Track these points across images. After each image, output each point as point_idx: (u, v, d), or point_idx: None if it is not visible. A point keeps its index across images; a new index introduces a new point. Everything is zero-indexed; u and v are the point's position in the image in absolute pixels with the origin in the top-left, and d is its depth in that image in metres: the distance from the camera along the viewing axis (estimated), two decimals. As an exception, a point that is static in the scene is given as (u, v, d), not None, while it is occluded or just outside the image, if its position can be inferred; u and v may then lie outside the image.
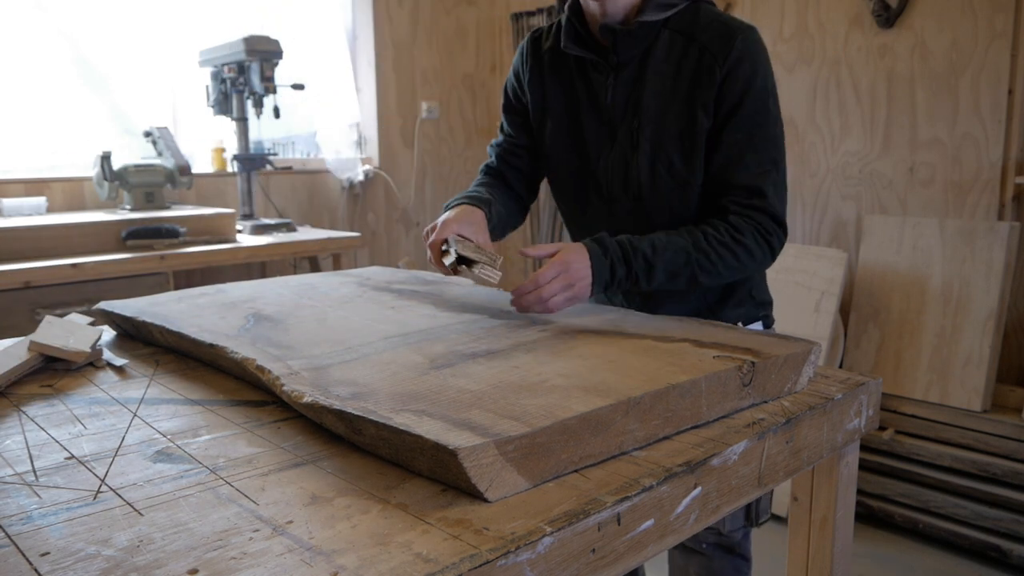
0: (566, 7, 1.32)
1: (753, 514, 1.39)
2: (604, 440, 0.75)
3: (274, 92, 2.82)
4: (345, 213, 3.64)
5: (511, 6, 3.97)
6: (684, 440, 0.81)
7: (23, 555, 0.58)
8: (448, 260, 1.16)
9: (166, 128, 2.87)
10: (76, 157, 2.93)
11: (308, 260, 3.13)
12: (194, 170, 2.85)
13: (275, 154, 3.20)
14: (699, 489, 0.76)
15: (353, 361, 0.94)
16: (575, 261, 1.12)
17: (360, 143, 3.78)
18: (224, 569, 0.55)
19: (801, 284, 2.75)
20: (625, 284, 1.18)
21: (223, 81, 2.90)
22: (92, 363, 1.11)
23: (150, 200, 2.75)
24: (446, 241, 1.18)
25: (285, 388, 0.85)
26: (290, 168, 3.46)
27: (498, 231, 1.36)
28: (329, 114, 3.56)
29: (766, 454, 0.85)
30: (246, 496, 0.67)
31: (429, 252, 1.21)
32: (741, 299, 1.36)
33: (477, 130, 4.10)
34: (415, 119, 3.82)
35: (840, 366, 2.75)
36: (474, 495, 0.67)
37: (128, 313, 1.24)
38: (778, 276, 2.73)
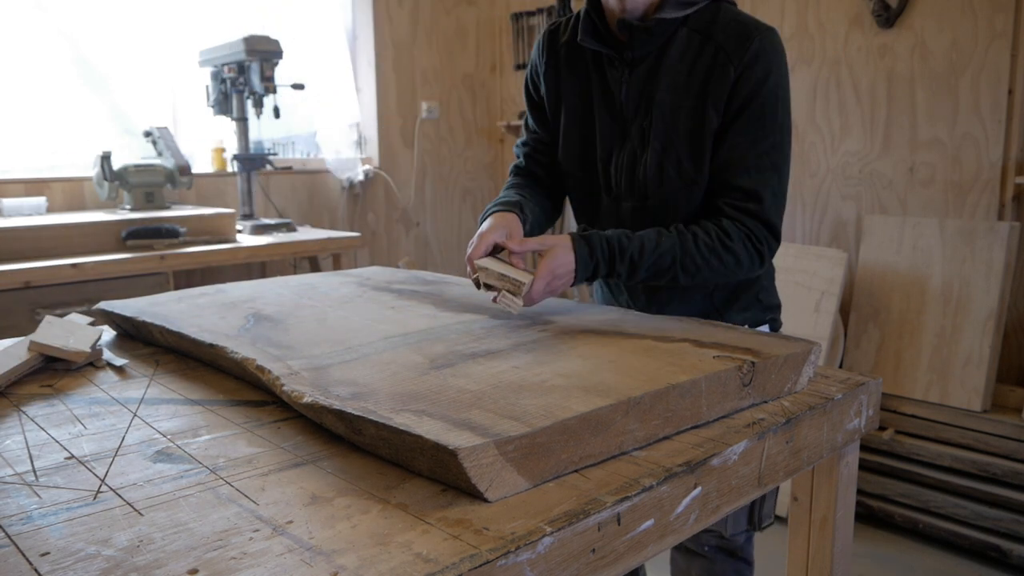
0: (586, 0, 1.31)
1: (756, 518, 1.38)
2: (604, 440, 0.75)
3: (274, 92, 2.82)
4: (345, 213, 3.64)
5: (511, 6, 3.97)
6: (684, 440, 0.81)
7: (23, 555, 0.58)
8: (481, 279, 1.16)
9: (166, 128, 2.87)
10: (76, 157, 2.93)
11: (308, 260, 3.13)
12: (194, 170, 2.86)
13: (275, 154, 3.20)
14: (699, 489, 0.76)
15: (353, 361, 0.94)
16: (561, 266, 1.12)
17: (360, 143, 3.78)
18: (224, 569, 0.55)
19: (801, 284, 2.75)
20: (605, 278, 1.20)
21: (223, 81, 2.90)
22: (92, 363, 1.11)
23: (150, 200, 2.75)
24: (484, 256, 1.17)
25: (285, 388, 0.85)
26: (290, 168, 3.46)
27: (535, 230, 1.36)
28: (329, 114, 3.57)
29: (766, 454, 0.85)
30: (246, 496, 0.67)
31: (468, 267, 1.21)
32: (748, 303, 1.35)
33: (477, 130, 4.10)
34: (415, 119, 3.83)
35: (840, 366, 2.75)
36: (474, 495, 0.67)
37: (128, 313, 1.24)
38: (778, 276, 2.72)
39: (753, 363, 0.90)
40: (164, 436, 0.82)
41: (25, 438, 0.83)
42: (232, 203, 3.17)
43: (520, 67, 3.98)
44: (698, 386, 0.84)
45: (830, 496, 1.05)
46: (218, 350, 1.01)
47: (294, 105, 3.35)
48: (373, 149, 3.74)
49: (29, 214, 2.56)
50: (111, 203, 2.80)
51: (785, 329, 1.43)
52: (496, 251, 1.18)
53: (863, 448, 2.58)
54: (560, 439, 0.71)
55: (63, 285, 2.18)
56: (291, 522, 0.63)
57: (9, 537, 0.61)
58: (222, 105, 2.94)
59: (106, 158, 2.62)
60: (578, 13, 1.33)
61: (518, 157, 1.49)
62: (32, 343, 1.07)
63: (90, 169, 2.76)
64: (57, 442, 0.81)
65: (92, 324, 1.23)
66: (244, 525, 0.62)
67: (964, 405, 2.47)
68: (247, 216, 3.03)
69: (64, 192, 2.80)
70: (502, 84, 4.14)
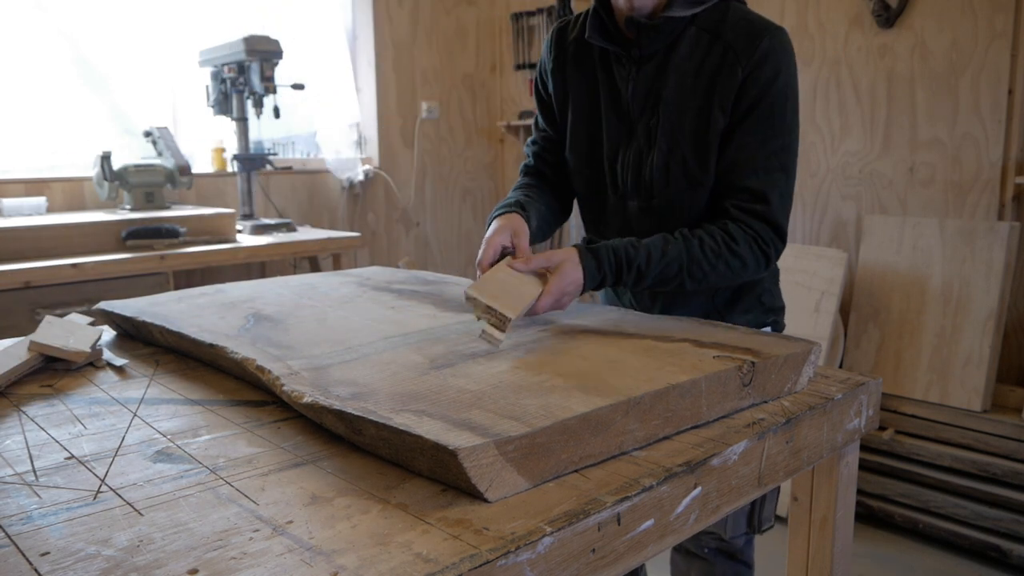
0: None
1: (755, 521, 1.37)
2: (604, 440, 0.75)
3: (274, 92, 2.82)
4: (345, 213, 3.64)
5: (511, 6, 3.97)
6: (684, 440, 0.81)
7: (23, 555, 0.58)
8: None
9: (166, 128, 2.87)
10: (76, 157, 2.93)
11: (308, 260, 3.13)
12: (194, 170, 2.85)
13: (275, 154, 3.20)
14: (699, 489, 0.76)
15: (353, 361, 0.94)
16: (570, 284, 1.11)
17: (360, 143, 3.78)
18: (224, 569, 0.55)
19: (801, 284, 2.75)
20: (612, 287, 1.20)
21: (223, 81, 2.90)
22: (92, 363, 1.11)
23: (150, 200, 2.75)
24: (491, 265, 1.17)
25: (285, 388, 0.85)
26: (290, 168, 3.46)
27: (542, 230, 1.35)
28: (329, 114, 3.57)
29: (766, 454, 0.85)
30: (246, 496, 0.67)
31: (478, 272, 1.20)
32: (750, 305, 1.34)
33: (477, 130, 4.10)
34: (415, 119, 3.83)
35: (840, 366, 2.75)
36: (474, 495, 0.67)
37: (128, 313, 1.24)
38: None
39: (753, 363, 0.90)
40: (164, 436, 0.82)
41: (25, 438, 0.83)
42: (232, 203, 3.17)
43: (520, 67, 3.98)
44: (698, 386, 0.84)
45: (830, 496, 1.05)
46: (218, 350, 1.01)
47: (294, 105, 3.35)
48: (373, 149, 3.74)
49: (29, 214, 2.56)
50: (111, 203, 2.80)
51: (786, 329, 1.43)
52: (505, 253, 1.18)
53: (863, 448, 2.58)
54: (560, 439, 0.71)
55: (63, 285, 2.18)
56: (291, 522, 0.63)
57: (9, 537, 0.61)
58: (222, 105, 2.94)
59: (106, 158, 2.62)
60: (588, 10, 1.33)
61: (528, 156, 1.48)
62: (32, 343, 1.07)
63: (90, 169, 2.76)
64: (57, 442, 0.81)
65: (92, 324, 1.23)
66: (244, 525, 0.62)
67: (964, 405, 2.47)
68: (247, 216, 3.03)
69: (64, 192, 2.80)
70: (502, 84, 4.14)
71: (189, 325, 1.14)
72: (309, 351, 0.98)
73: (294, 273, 3.08)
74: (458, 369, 0.89)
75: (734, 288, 1.33)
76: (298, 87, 2.96)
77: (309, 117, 3.56)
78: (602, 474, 0.72)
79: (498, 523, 0.62)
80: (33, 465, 0.76)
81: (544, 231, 1.37)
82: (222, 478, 0.71)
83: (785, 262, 2.77)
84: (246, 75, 2.83)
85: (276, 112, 2.90)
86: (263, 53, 2.75)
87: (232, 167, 3.06)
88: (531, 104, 3.95)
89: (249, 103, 2.88)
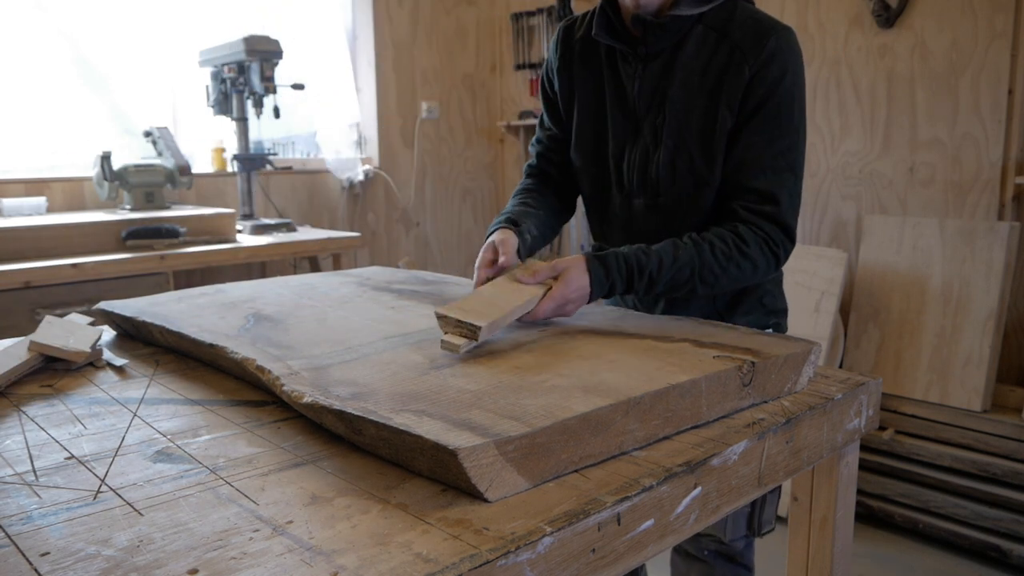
0: None
1: (755, 524, 1.37)
2: (604, 440, 0.75)
3: (274, 92, 2.83)
4: (345, 213, 3.64)
5: (511, 6, 3.97)
6: (684, 440, 0.81)
7: (23, 555, 0.58)
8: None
9: (166, 128, 2.87)
10: (76, 157, 2.93)
11: (308, 260, 3.13)
12: (194, 170, 2.86)
13: (275, 154, 3.20)
14: (699, 489, 0.76)
15: (353, 361, 0.94)
16: (575, 291, 1.10)
17: (360, 143, 3.78)
18: (224, 569, 0.55)
19: (801, 284, 2.75)
20: (622, 294, 1.19)
21: (223, 81, 2.90)
22: (92, 363, 1.11)
23: (150, 200, 2.75)
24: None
25: (285, 388, 0.85)
26: (290, 168, 3.46)
27: (542, 238, 1.35)
28: (329, 114, 3.57)
29: (766, 454, 0.85)
30: (246, 496, 0.67)
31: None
32: (751, 307, 1.33)
33: (477, 130, 4.10)
34: (415, 119, 3.83)
35: (840, 366, 2.75)
36: (474, 495, 0.67)
37: (128, 313, 1.24)
38: (778, 276, 2.73)
39: (753, 363, 0.90)
40: (164, 436, 0.82)
41: (25, 438, 0.83)
42: (232, 203, 3.17)
43: (520, 67, 3.98)
44: (698, 386, 0.84)
45: (830, 496, 1.05)
46: (218, 350, 1.01)
47: (294, 105, 3.35)
48: (373, 149, 3.74)
49: (29, 214, 2.56)
50: (111, 203, 2.80)
51: (787, 330, 1.42)
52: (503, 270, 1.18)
53: (863, 448, 2.58)
54: (560, 439, 0.71)
55: (63, 285, 2.18)
56: (291, 522, 0.63)
57: (9, 537, 0.61)
58: (222, 105, 2.94)
59: (106, 158, 2.62)
60: (595, 9, 1.33)
61: (532, 156, 1.48)
62: (32, 343, 1.07)
63: (90, 169, 2.76)
64: (57, 442, 0.81)
65: (92, 324, 1.23)
66: (244, 525, 0.62)
67: (964, 405, 2.47)
68: (247, 216, 3.03)
69: (64, 192, 2.80)
70: (502, 84, 4.14)
71: (189, 325, 1.14)
72: (309, 351, 0.98)
73: (294, 273, 3.08)
74: (458, 369, 0.89)
75: (735, 290, 1.32)
76: (298, 87, 2.96)
77: (309, 117, 3.56)
78: (602, 474, 0.72)
79: (498, 523, 0.62)
80: (33, 465, 0.76)
81: (546, 235, 1.37)
82: (222, 478, 0.71)
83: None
84: (246, 75, 2.83)
85: (276, 112, 2.90)
86: (263, 53, 2.75)
87: (232, 167, 3.06)
88: (531, 104, 3.95)
89: (249, 103, 2.88)
